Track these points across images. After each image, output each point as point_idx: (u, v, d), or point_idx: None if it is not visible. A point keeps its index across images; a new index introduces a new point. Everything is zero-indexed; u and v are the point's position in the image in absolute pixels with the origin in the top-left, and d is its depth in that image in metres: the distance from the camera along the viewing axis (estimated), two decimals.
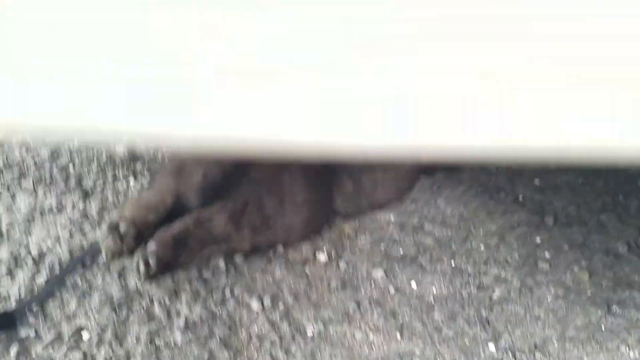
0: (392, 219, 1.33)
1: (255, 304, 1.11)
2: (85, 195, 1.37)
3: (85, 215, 1.31)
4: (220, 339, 1.05)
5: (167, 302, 1.11)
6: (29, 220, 1.26)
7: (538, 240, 1.32)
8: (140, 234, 1.21)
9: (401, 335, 1.07)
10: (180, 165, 1.29)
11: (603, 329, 1.13)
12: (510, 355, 1.07)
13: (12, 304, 1.08)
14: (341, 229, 1.30)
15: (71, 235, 1.23)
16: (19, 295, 1.10)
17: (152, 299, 1.11)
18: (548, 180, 1.47)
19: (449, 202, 1.40)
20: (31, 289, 1.11)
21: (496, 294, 1.18)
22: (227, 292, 1.14)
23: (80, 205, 1.33)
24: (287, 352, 1.05)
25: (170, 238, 1.16)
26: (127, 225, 1.19)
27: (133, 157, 1.46)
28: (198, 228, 1.19)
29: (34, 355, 1.01)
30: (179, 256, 1.17)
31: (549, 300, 1.18)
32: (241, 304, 1.12)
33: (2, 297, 1.10)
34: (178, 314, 1.08)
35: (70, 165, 1.41)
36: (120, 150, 1.50)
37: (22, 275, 1.13)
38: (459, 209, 1.38)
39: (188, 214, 1.21)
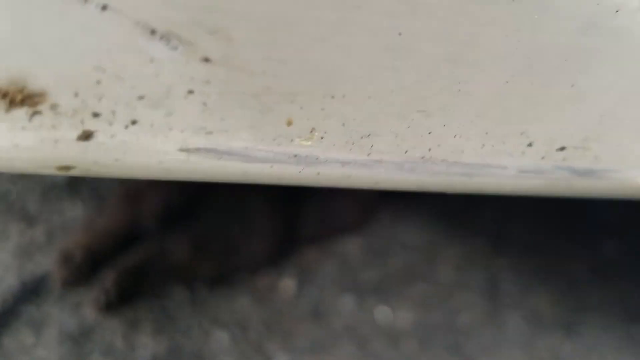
0: (358, 243, 1.32)
1: (223, 334, 1.07)
2: (31, 221, 1.29)
3: (33, 242, 1.22)
4: None
5: (130, 334, 1.04)
6: None
7: (499, 264, 1.34)
8: (97, 263, 1.14)
9: None
10: (137, 189, 1.23)
11: (566, 352, 1.15)
12: None
13: None
14: (307, 254, 1.28)
15: (21, 264, 1.15)
16: None
17: (114, 331, 1.04)
18: (501, 205, 1.51)
19: (410, 226, 1.40)
20: None
21: (465, 319, 1.18)
22: (193, 322, 1.08)
23: (27, 232, 1.24)
24: None
25: (131, 267, 1.10)
26: (83, 254, 1.13)
27: (77, 180, 1.39)
28: (160, 256, 1.13)
29: None
30: (140, 286, 1.11)
31: (514, 323, 1.19)
32: (208, 335, 1.07)
33: None
34: (143, 346, 1.02)
35: (12, 190, 1.32)
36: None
37: None
38: (421, 234, 1.39)
39: (148, 241, 1.16)
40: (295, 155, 0.40)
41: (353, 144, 0.40)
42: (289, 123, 0.38)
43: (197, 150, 0.37)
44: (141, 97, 0.35)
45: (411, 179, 0.42)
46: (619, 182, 0.45)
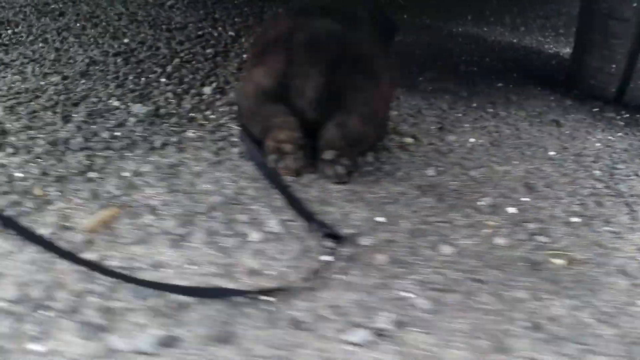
0: None
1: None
2: None
3: None
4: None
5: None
6: None
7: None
8: (302, 150, 1.32)
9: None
10: (286, 88, 1.37)
11: (496, 120, 1.93)
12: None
13: None
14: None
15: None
16: None
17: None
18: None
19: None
20: None
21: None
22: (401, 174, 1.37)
23: None
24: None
25: (343, 144, 1.30)
26: (295, 146, 1.30)
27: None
28: (347, 133, 1.33)
29: None
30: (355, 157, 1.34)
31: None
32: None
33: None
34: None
35: None
36: None
37: None
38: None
39: (328, 124, 1.34)
40: None
41: None
42: None
43: None
44: None
45: None
46: None
